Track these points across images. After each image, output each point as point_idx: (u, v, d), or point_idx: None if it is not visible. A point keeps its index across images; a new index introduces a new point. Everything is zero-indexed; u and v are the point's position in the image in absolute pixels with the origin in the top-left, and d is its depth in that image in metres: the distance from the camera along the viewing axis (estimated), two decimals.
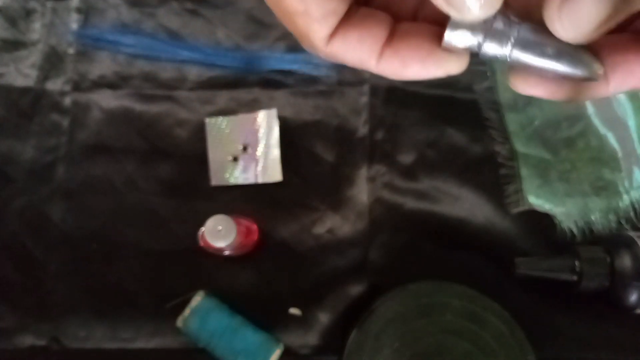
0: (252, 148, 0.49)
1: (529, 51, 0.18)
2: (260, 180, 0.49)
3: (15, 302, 0.49)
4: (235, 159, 0.49)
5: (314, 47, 0.20)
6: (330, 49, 0.20)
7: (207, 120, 0.51)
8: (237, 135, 0.49)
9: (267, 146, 0.49)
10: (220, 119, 0.50)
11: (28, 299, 0.49)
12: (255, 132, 0.49)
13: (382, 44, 0.20)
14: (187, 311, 0.46)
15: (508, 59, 0.19)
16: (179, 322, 0.46)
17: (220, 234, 0.42)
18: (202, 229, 0.43)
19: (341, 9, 0.19)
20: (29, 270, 0.49)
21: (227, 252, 0.46)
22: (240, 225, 0.44)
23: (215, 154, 0.49)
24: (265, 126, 0.49)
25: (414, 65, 0.20)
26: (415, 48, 0.20)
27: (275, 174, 0.49)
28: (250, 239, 0.47)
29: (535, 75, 0.19)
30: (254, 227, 0.48)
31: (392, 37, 0.20)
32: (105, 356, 0.48)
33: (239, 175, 0.49)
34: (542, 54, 0.18)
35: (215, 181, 0.49)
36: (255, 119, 0.49)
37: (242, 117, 0.50)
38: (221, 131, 0.49)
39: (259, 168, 0.48)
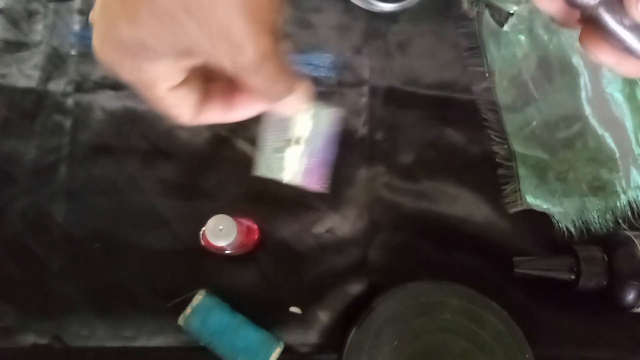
0: (301, 144, 0.42)
1: (611, 13, 0.22)
2: (301, 183, 0.42)
3: (18, 301, 0.49)
4: (282, 152, 0.43)
5: (182, 123, 0.29)
6: (195, 122, 0.29)
7: None
8: (290, 126, 0.42)
9: (316, 147, 0.42)
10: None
11: (30, 298, 0.49)
12: (309, 127, 0.42)
13: (226, 105, 0.30)
14: (188, 310, 0.46)
15: (594, 10, 0.23)
16: (180, 321, 0.46)
17: (221, 233, 0.43)
18: (204, 228, 0.44)
19: (200, 97, 0.29)
20: (32, 270, 0.49)
21: (228, 252, 0.46)
22: (241, 224, 0.45)
23: (264, 143, 0.43)
24: (319, 124, 0.42)
25: (253, 108, 0.31)
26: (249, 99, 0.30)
27: (316, 182, 0.41)
28: (251, 239, 0.47)
29: (607, 42, 0.24)
30: (255, 226, 0.48)
31: (230, 96, 0.30)
32: (107, 354, 0.48)
33: (281, 171, 0.42)
34: (620, 21, 0.22)
35: (257, 172, 0.42)
36: (312, 113, 0.42)
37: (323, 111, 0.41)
38: (272, 119, 0.42)
39: (303, 169, 0.42)
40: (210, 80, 0.29)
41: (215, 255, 0.47)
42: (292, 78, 0.28)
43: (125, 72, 0.26)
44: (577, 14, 0.24)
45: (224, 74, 0.26)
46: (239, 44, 0.24)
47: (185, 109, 0.28)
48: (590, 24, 0.24)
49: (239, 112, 0.31)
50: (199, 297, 0.46)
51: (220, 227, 0.43)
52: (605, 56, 0.24)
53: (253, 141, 0.52)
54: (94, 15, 0.26)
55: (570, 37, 0.52)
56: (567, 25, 0.26)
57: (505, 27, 0.53)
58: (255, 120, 0.53)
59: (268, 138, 0.43)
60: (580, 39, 0.25)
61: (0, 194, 0.50)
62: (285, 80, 0.28)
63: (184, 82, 0.27)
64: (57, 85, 0.53)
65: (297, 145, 0.42)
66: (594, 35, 0.24)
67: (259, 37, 0.24)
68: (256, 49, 0.24)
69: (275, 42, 0.25)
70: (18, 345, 0.48)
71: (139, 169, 0.51)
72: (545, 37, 0.52)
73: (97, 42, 0.26)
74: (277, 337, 0.47)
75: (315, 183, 0.42)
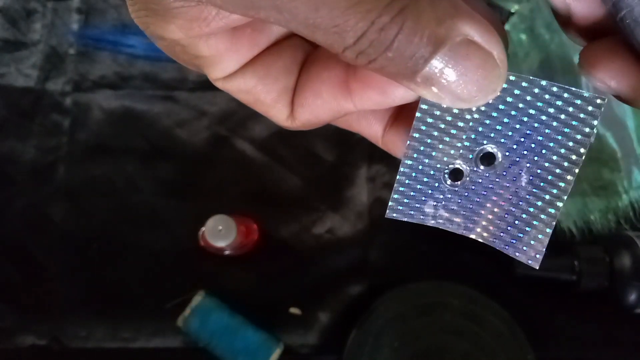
0: (511, 162, 0.19)
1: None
2: (496, 244, 0.21)
3: (16, 302, 0.49)
4: (454, 180, 0.21)
5: (287, 127, 0.18)
6: (300, 123, 0.18)
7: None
8: (472, 130, 0.19)
9: (544, 174, 0.19)
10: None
11: (29, 298, 0.49)
12: (532, 128, 0.19)
13: (344, 85, 0.17)
14: (187, 311, 0.46)
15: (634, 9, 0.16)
16: (180, 322, 0.46)
17: (220, 233, 0.43)
18: (203, 228, 0.43)
19: (290, 82, 0.17)
20: (30, 270, 0.49)
21: (227, 252, 0.46)
22: (241, 225, 0.44)
23: (413, 165, 0.20)
24: (555, 126, 0.19)
25: (392, 89, 0.16)
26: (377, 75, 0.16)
27: (532, 247, 0.20)
28: (251, 239, 0.47)
29: (614, 53, 0.17)
30: (254, 226, 0.48)
31: (350, 71, 0.16)
32: (105, 356, 0.48)
33: (448, 213, 0.21)
34: None
35: (394, 212, 0.22)
36: (542, 96, 0.19)
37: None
38: (442, 116, 0.19)
39: (504, 220, 0.20)
40: (308, 61, 0.18)
41: (214, 255, 0.47)
42: (420, 6, 0.13)
43: (172, 49, 0.17)
44: (596, 12, 0.17)
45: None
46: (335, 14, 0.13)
47: (269, 108, 0.18)
48: (612, 34, 0.17)
49: (364, 97, 0.17)
50: (198, 298, 0.46)
51: (220, 228, 0.43)
52: (616, 77, 0.16)
53: (253, 141, 0.52)
54: None
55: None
56: (579, 31, 0.18)
57: (507, 27, 0.53)
58: (256, 119, 0.54)
59: (421, 153, 0.20)
60: (583, 56, 0.17)
61: None
62: (392, 17, 0.13)
63: (247, 67, 0.17)
64: (56, 85, 0.53)
65: (482, 168, 0.20)
66: (601, 47, 0.17)
67: None
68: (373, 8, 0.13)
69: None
70: (16, 346, 0.48)
71: (138, 169, 0.51)
72: (547, 37, 0.52)
73: (134, 14, 0.16)
74: (277, 338, 0.47)
75: (519, 245, 0.20)
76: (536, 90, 0.17)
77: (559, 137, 0.18)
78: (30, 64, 0.53)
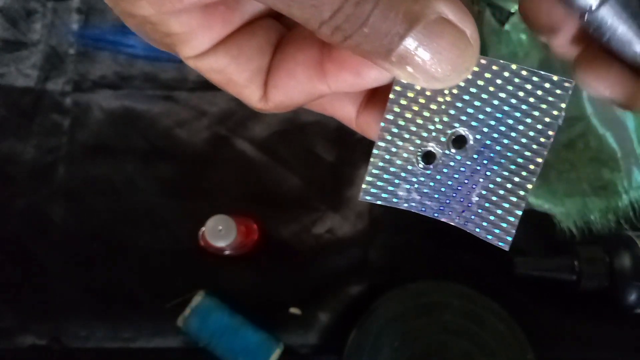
0: (483, 144, 0.19)
1: (620, 15, 0.17)
2: (468, 227, 0.21)
3: (16, 302, 0.49)
4: (426, 162, 0.20)
5: (258, 110, 0.18)
6: (273, 105, 0.17)
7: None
8: (448, 111, 0.19)
9: (516, 156, 0.19)
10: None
11: (29, 298, 0.49)
12: (503, 111, 0.19)
13: (319, 66, 0.16)
14: (187, 311, 0.46)
15: (595, 14, 0.17)
16: (180, 322, 0.46)
17: (220, 233, 0.43)
18: (203, 228, 0.43)
19: (264, 63, 0.17)
20: (30, 270, 0.49)
21: (227, 252, 0.46)
22: (241, 225, 0.44)
23: (386, 147, 0.20)
24: (527, 109, 0.19)
25: (366, 71, 0.16)
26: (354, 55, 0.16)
27: (503, 227, 0.20)
28: (251, 239, 0.47)
29: (612, 66, 0.18)
30: (254, 226, 0.48)
31: (324, 52, 0.16)
32: (105, 356, 0.48)
33: (421, 196, 0.21)
34: (632, 18, 0.17)
35: (363, 196, 0.22)
36: (511, 79, 0.19)
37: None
38: (413, 101, 0.19)
39: (474, 200, 0.20)
40: (282, 42, 0.18)
41: (214, 255, 0.47)
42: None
43: (134, 24, 0.16)
44: (577, 33, 0.19)
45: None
46: None
47: (242, 88, 0.17)
48: (590, 44, 0.19)
49: (339, 79, 0.16)
50: (198, 298, 0.46)
51: (220, 228, 0.43)
52: (610, 88, 0.18)
53: (253, 141, 0.52)
54: None
55: None
56: (565, 51, 0.19)
57: (507, 26, 0.53)
58: (256, 119, 0.54)
59: (394, 136, 0.20)
60: (576, 68, 0.19)
61: None
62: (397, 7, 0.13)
63: (220, 45, 0.16)
64: (56, 85, 0.53)
65: (455, 151, 0.20)
66: (593, 60, 0.19)
67: None
68: None
69: None
70: (16, 346, 0.48)
71: (137, 169, 0.51)
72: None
73: None
74: (277, 338, 0.47)
75: (491, 228, 0.20)
76: (506, 74, 0.17)
77: (529, 120, 0.18)
78: (30, 64, 0.53)
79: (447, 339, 0.43)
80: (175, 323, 0.47)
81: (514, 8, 0.53)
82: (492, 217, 0.20)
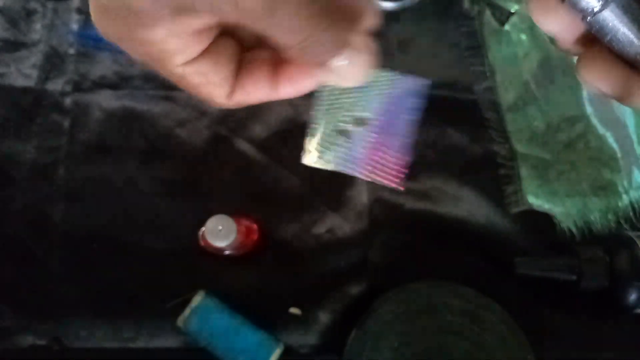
0: (372, 125, 0.31)
1: (623, 17, 0.19)
2: (373, 179, 0.33)
3: (16, 302, 0.49)
4: (344, 135, 0.32)
5: (217, 104, 0.24)
6: (234, 102, 0.24)
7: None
8: (354, 101, 0.31)
9: (395, 130, 0.31)
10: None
11: (29, 298, 0.49)
12: (383, 103, 0.30)
13: (272, 79, 0.24)
14: (187, 311, 0.46)
15: (598, 16, 0.19)
16: (180, 322, 0.46)
17: (220, 233, 0.43)
18: (203, 228, 0.43)
19: (233, 69, 0.23)
20: (30, 270, 0.49)
21: (227, 252, 0.46)
22: (241, 225, 0.44)
23: (319, 123, 0.34)
24: (399, 99, 0.31)
25: (305, 84, 0.24)
26: (299, 69, 0.24)
27: (395, 177, 0.32)
28: (251, 239, 0.47)
29: (614, 66, 0.20)
30: (254, 226, 0.48)
31: (277, 68, 0.24)
32: (106, 355, 0.48)
33: (343, 162, 0.33)
34: (633, 21, 0.19)
35: (307, 160, 0.36)
36: (387, 84, 0.31)
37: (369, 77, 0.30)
38: (333, 94, 0.32)
39: (376, 161, 0.31)
40: (247, 51, 0.24)
41: (214, 255, 0.47)
42: (339, 24, 0.20)
43: (129, 47, 0.21)
44: (581, 33, 0.21)
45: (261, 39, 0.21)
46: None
47: (215, 87, 0.23)
48: (594, 43, 0.20)
49: (287, 87, 0.24)
50: (198, 298, 0.46)
51: (220, 228, 0.43)
52: (611, 85, 0.20)
53: (253, 141, 0.52)
54: None
55: None
56: (569, 49, 0.22)
57: (507, 27, 0.53)
58: (256, 119, 0.54)
59: (322, 119, 0.32)
60: (579, 66, 0.21)
61: None
62: (325, 28, 0.20)
63: (205, 54, 0.22)
64: (56, 85, 0.53)
65: (360, 127, 0.30)
66: (596, 58, 0.20)
67: None
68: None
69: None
70: (16, 346, 0.48)
71: (138, 169, 0.51)
72: (547, 37, 0.52)
73: (93, 14, 0.21)
74: (277, 338, 0.47)
75: (386, 176, 0.32)
76: (384, 77, 0.30)
77: (402, 106, 0.30)
78: (30, 64, 0.53)
79: (447, 339, 0.43)
80: (176, 323, 0.47)
81: (514, 8, 0.53)
82: (387, 169, 0.34)
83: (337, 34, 0.20)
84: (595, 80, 0.21)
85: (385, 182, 0.34)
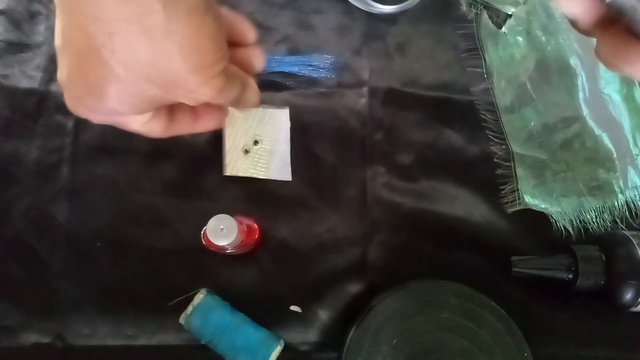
0: (264, 143, 0.51)
1: None
2: (270, 177, 0.51)
3: (20, 300, 0.49)
4: (247, 152, 0.51)
5: (158, 137, 0.37)
6: (168, 135, 0.37)
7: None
8: (251, 128, 0.51)
9: (278, 144, 0.51)
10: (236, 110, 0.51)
11: (32, 297, 0.49)
12: (271, 128, 0.51)
13: (195, 119, 0.39)
14: (189, 309, 0.46)
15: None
16: (182, 320, 0.46)
17: (222, 233, 0.43)
18: (205, 228, 0.44)
19: (167, 118, 0.36)
20: (34, 269, 0.49)
21: (229, 251, 0.47)
22: (242, 224, 0.45)
23: (230, 145, 0.51)
24: (279, 124, 0.51)
25: (216, 120, 0.40)
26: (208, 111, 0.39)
27: (285, 173, 0.51)
28: (252, 238, 0.47)
29: (627, 40, 0.21)
30: (255, 226, 0.48)
31: (198, 114, 0.39)
32: (108, 353, 0.48)
33: (250, 168, 0.51)
34: None
35: (227, 171, 0.51)
36: (269, 115, 0.51)
37: (256, 111, 0.52)
38: (237, 123, 0.51)
39: (270, 164, 0.51)
40: (176, 104, 0.34)
41: (216, 254, 0.48)
42: (243, 83, 0.35)
43: (99, 121, 0.32)
44: (601, 14, 0.21)
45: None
46: (198, 92, 0.30)
47: (156, 131, 0.35)
48: (612, 25, 0.21)
49: (204, 122, 0.38)
50: (200, 296, 0.47)
51: (222, 227, 0.43)
52: (631, 63, 0.21)
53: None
54: (61, 79, 0.30)
55: (568, 38, 0.52)
56: (589, 30, 0.22)
57: (504, 29, 0.54)
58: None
59: (232, 141, 0.51)
60: (598, 46, 0.22)
61: (2, 194, 0.51)
62: (240, 88, 0.34)
63: (153, 116, 0.34)
64: (59, 86, 0.53)
65: (260, 144, 0.51)
66: (615, 38, 0.21)
67: (212, 81, 0.30)
68: (212, 88, 0.31)
69: (226, 78, 0.31)
70: (20, 344, 0.48)
71: (140, 169, 0.51)
72: (543, 39, 0.53)
73: (70, 104, 0.31)
74: (278, 335, 0.48)
75: (282, 175, 0.51)
76: (263, 110, 0.52)
77: (278, 129, 0.51)
78: (34, 65, 0.53)
79: (445, 337, 0.44)
80: (177, 321, 0.47)
81: (511, 11, 0.54)
82: (280, 168, 0.50)
83: (244, 90, 0.35)
84: (616, 60, 0.21)
85: (282, 177, 0.51)
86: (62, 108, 0.53)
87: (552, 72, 0.53)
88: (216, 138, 0.52)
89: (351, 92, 0.54)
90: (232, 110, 0.51)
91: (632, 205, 0.51)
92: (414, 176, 0.52)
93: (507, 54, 0.54)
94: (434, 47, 0.55)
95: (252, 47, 0.37)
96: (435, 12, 0.55)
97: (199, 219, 0.47)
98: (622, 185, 0.51)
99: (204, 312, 0.46)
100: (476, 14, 0.54)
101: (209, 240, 0.44)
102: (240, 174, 0.50)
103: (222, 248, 0.45)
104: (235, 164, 0.50)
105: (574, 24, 0.23)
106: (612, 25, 0.22)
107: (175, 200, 0.51)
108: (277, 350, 0.46)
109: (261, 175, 0.50)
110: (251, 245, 0.48)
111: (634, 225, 0.51)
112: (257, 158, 0.50)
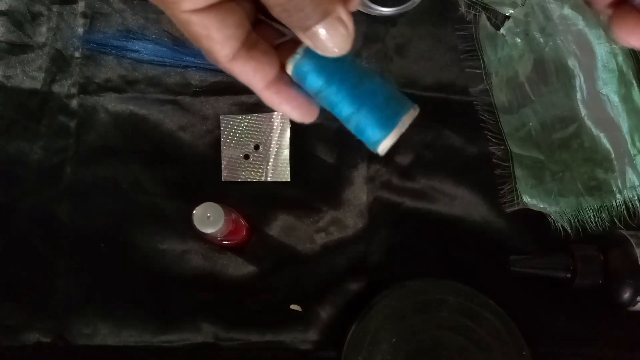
0: (264, 147, 0.51)
1: None
2: (269, 179, 0.51)
3: (22, 300, 0.49)
4: (247, 157, 0.51)
5: (217, 62, 0.24)
6: (230, 68, 0.25)
7: (222, 117, 0.52)
8: (250, 134, 0.52)
9: (279, 147, 0.51)
10: (235, 117, 0.52)
11: (34, 296, 0.49)
12: (269, 132, 0.51)
13: (268, 82, 0.25)
14: (299, 51, 0.27)
15: None
16: (290, 63, 0.28)
17: (209, 221, 0.43)
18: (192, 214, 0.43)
19: (239, 34, 0.23)
20: (36, 269, 0.50)
21: (225, 242, 0.46)
22: (231, 214, 0.45)
23: (228, 150, 0.51)
24: (278, 127, 0.51)
25: (286, 106, 0.27)
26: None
27: (284, 174, 0.51)
28: (243, 227, 0.47)
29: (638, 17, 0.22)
30: (241, 218, 0.48)
31: (278, 77, 0.26)
32: (109, 353, 0.49)
33: (250, 173, 0.51)
34: None
35: (226, 177, 0.51)
36: (269, 120, 0.51)
37: (257, 117, 0.52)
38: (235, 129, 0.52)
39: (269, 167, 0.51)
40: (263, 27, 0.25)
41: (217, 254, 0.48)
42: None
43: None
44: None
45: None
46: None
47: (216, 44, 0.23)
48: (624, 5, 0.22)
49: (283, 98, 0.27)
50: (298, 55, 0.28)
51: (208, 215, 0.43)
52: None
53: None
54: None
55: (566, 40, 0.53)
56: (602, 10, 0.24)
57: (502, 30, 0.54)
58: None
59: (232, 147, 0.51)
60: (612, 24, 0.23)
61: (6, 194, 0.51)
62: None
63: (213, 8, 0.22)
64: (62, 87, 0.53)
65: (261, 148, 0.51)
66: (627, 15, 0.22)
67: None
68: None
69: None
70: (22, 343, 0.49)
71: (143, 171, 0.51)
72: (541, 40, 0.53)
73: None
74: (278, 334, 0.48)
75: (281, 176, 0.51)
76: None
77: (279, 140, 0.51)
78: (36, 66, 0.53)
79: (443, 335, 0.44)
80: (179, 322, 0.47)
81: (509, 12, 0.54)
82: (280, 170, 0.51)
83: (317, 3, 0.22)
84: (628, 36, 0.23)
85: (276, 179, 0.52)
86: (64, 109, 0.53)
87: (550, 73, 0.53)
88: (217, 141, 0.52)
89: None
90: (231, 115, 0.52)
91: (630, 205, 0.51)
92: (413, 176, 0.53)
93: (506, 55, 0.54)
94: (433, 48, 0.55)
95: None
96: (434, 13, 0.55)
97: None
98: (620, 185, 0.51)
99: (318, 56, 0.27)
100: (475, 15, 0.55)
101: (197, 228, 0.43)
102: (241, 180, 0.51)
103: (213, 237, 0.44)
104: (235, 170, 0.51)
105: (587, 1, 0.25)
106: (623, 6, 0.23)
107: (177, 201, 0.51)
108: (411, 113, 0.30)
109: (260, 179, 0.51)
110: (245, 236, 0.48)
111: (632, 224, 0.51)
112: (257, 163, 0.51)
